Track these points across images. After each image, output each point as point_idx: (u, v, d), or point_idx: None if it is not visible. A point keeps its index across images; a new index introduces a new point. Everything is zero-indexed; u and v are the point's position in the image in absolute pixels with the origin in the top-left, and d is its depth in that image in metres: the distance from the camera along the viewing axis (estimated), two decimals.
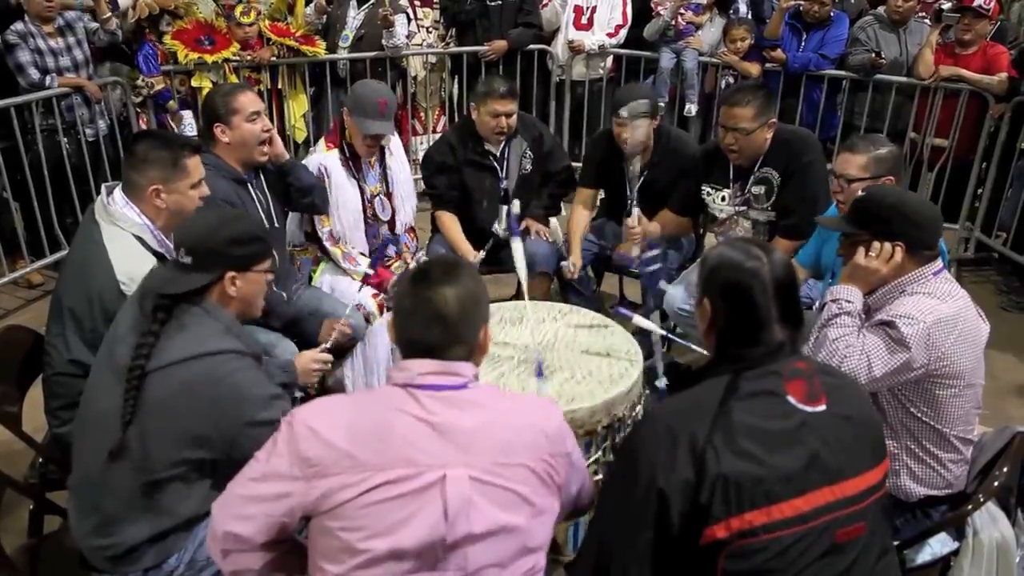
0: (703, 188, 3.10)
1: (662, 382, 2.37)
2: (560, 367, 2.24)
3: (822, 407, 1.40)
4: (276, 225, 2.76)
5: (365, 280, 3.06)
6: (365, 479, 1.27)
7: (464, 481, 1.29)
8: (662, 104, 4.94)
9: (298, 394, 2.32)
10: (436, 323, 1.35)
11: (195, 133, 4.59)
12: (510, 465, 1.32)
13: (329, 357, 2.27)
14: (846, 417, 1.41)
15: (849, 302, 1.91)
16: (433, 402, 1.33)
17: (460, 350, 1.38)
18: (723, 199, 3.05)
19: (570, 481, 1.45)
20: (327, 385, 2.90)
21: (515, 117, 3.29)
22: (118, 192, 2.13)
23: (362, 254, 3.11)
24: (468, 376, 1.38)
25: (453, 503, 1.28)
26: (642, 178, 3.32)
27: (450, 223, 3.38)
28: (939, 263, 1.93)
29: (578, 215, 3.43)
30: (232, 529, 1.34)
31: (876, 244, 1.90)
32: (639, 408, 2.28)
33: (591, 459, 2.10)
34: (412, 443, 1.29)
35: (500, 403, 1.40)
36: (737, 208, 3.03)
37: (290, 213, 2.98)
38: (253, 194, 2.67)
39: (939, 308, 1.83)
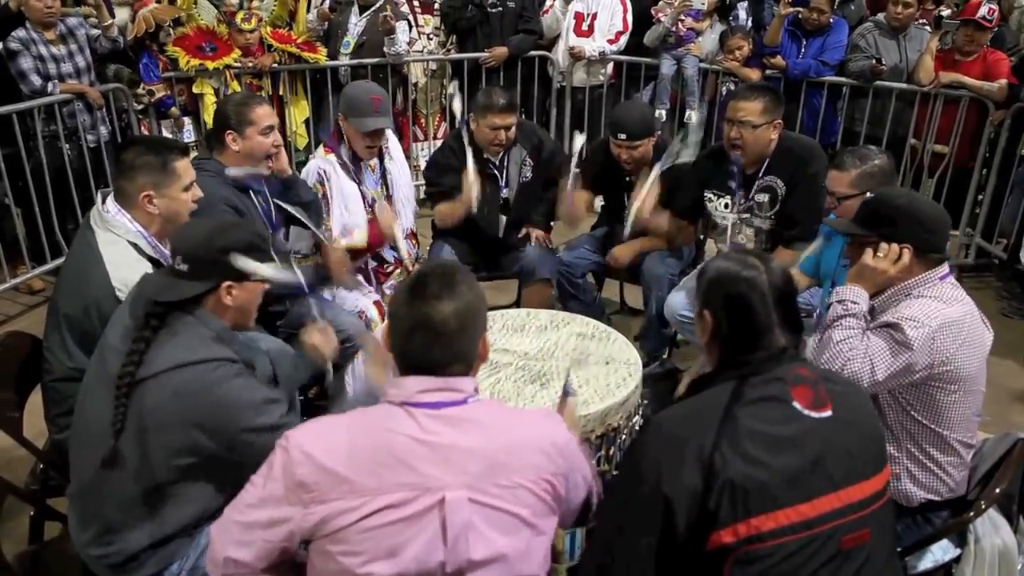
0: (705, 193, 3.10)
1: None
2: (558, 375, 2.24)
3: (828, 413, 1.40)
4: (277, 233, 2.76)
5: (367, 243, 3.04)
6: (364, 504, 1.25)
7: (463, 503, 1.27)
8: (663, 112, 4.96)
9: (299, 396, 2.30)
10: (435, 343, 1.32)
11: (193, 139, 4.61)
12: (510, 487, 1.30)
13: (330, 327, 2.21)
14: (851, 424, 1.41)
15: (855, 303, 1.90)
16: (431, 421, 1.30)
17: (459, 367, 1.35)
18: (725, 206, 3.05)
19: (572, 496, 1.43)
20: (329, 392, 2.90)
21: (514, 130, 3.29)
22: (110, 202, 2.12)
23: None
24: (468, 391, 1.35)
25: (452, 526, 1.26)
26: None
27: (447, 203, 3.30)
28: (946, 267, 1.93)
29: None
30: (232, 555, 1.32)
31: (884, 245, 1.89)
32: (636, 419, 2.27)
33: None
34: (410, 465, 1.27)
35: (501, 421, 1.36)
36: (740, 216, 3.03)
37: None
38: (256, 200, 2.67)
39: (945, 312, 1.83)
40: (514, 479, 1.30)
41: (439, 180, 3.39)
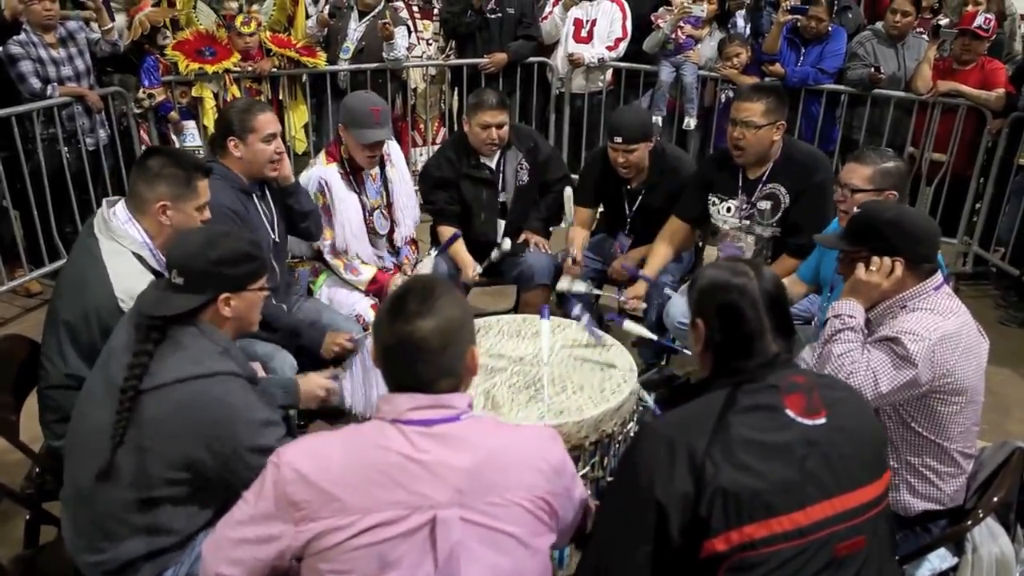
0: (709, 197, 3.10)
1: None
2: (553, 380, 2.23)
3: (821, 420, 1.40)
4: (278, 239, 2.76)
5: (367, 289, 3.05)
6: (354, 522, 1.24)
7: (455, 523, 1.25)
8: (660, 119, 4.96)
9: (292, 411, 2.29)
10: (418, 361, 1.30)
11: (197, 143, 4.62)
12: (504, 505, 1.29)
13: (335, 385, 2.24)
14: (846, 431, 1.41)
15: (852, 317, 1.90)
16: (423, 439, 1.28)
17: (447, 382, 1.33)
18: (728, 210, 3.05)
19: (567, 514, 1.42)
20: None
21: (507, 128, 3.29)
22: (121, 207, 2.11)
23: (364, 262, 3.11)
24: (461, 407, 1.33)
25: (443, 545, 1.24)
26: (639, 199, 3.33)
27: (447, 228, 3.35)
28: (939, 278, 1.93)
29: (578, 233, 3.41)
30: (223, 571, 1.32)
31: (876, 259, 1.90)
32: (631, 425, 2.27)
33: (579, 475, 2.09)
34: (401, 484, 1.25)
35: (495, 438, 1.34)
36: (741, 222, 3.03)
37: None
38: (259, 206, 2.68)
39: (943, 324, 1.83)
40: (507, 497, 1.29)
41: (431, 197, 3.40)
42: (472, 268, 3.25)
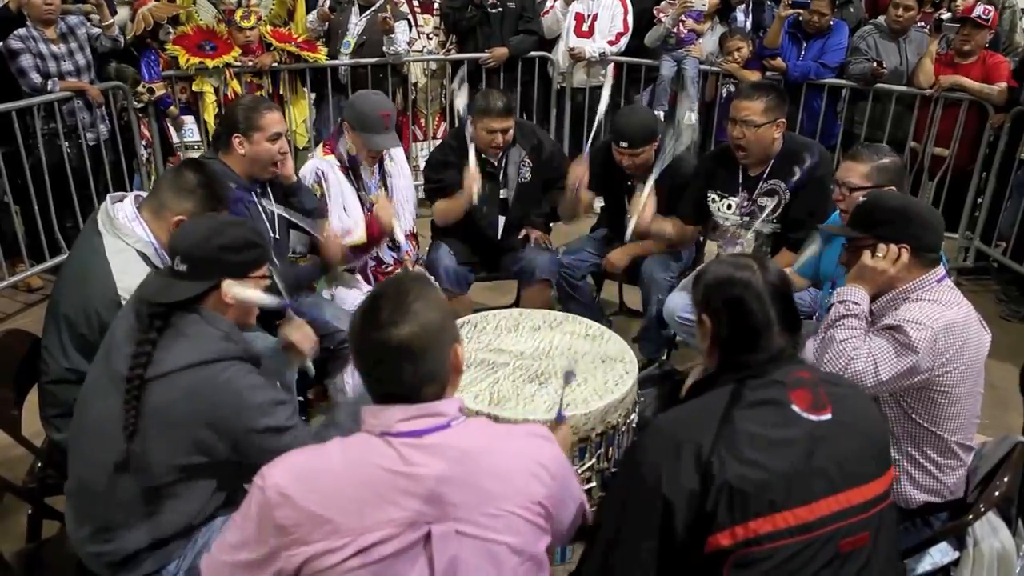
0: (708, 194, 3.10)
1: None
2: (555, 374, 2.24)
3: (827, 416, 1.40)
4: (279, 236, 2.76)
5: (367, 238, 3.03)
6: (347, 544, 1.19)
7: (451, 537, 1.22)
8: (661, 114, 4.95)
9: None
10: (401, 369, 1.25)
11: (196, 138, 4.61)
12: (501, 516, 1.24)
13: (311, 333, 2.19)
14: (851, 426, 1.42)
15: (856, 303, 1.91)
16: (414, 452, 1.23)
17: (432, 389, 1.28)
18: (729, 207, 3.05)
19: (563, 516, 1.39)
20: (328, 393, 2.91)
21: (511, 132, 3.28)
22: (129, 204, 2.10)
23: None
24: (451, 414, 1.27)
25: (440, 561, 1.21)
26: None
27: (446, 200, 3.31)
28: (942, 270, 1.94)
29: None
30: None
31: (883, 245, 1.90)
32: (633, 416, 2.28)
33: (585, 466, 2.10)
34: (394, 501, 1.21)
35: (488, 445, 1.29)
36: (742, 219, 3.03)
37: None
38: (259, 203, 2.67)
39: (946, 314, 1.84)
40: (504, 507, 1.25)
41: (437, 177, 3.39)
42: (474, 182, 3.15)
